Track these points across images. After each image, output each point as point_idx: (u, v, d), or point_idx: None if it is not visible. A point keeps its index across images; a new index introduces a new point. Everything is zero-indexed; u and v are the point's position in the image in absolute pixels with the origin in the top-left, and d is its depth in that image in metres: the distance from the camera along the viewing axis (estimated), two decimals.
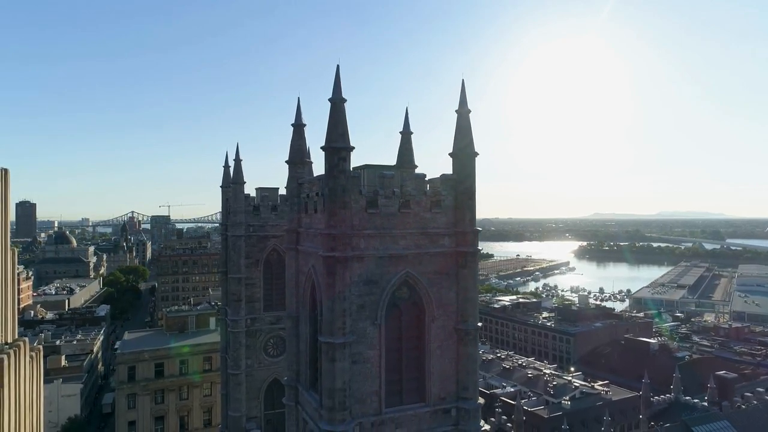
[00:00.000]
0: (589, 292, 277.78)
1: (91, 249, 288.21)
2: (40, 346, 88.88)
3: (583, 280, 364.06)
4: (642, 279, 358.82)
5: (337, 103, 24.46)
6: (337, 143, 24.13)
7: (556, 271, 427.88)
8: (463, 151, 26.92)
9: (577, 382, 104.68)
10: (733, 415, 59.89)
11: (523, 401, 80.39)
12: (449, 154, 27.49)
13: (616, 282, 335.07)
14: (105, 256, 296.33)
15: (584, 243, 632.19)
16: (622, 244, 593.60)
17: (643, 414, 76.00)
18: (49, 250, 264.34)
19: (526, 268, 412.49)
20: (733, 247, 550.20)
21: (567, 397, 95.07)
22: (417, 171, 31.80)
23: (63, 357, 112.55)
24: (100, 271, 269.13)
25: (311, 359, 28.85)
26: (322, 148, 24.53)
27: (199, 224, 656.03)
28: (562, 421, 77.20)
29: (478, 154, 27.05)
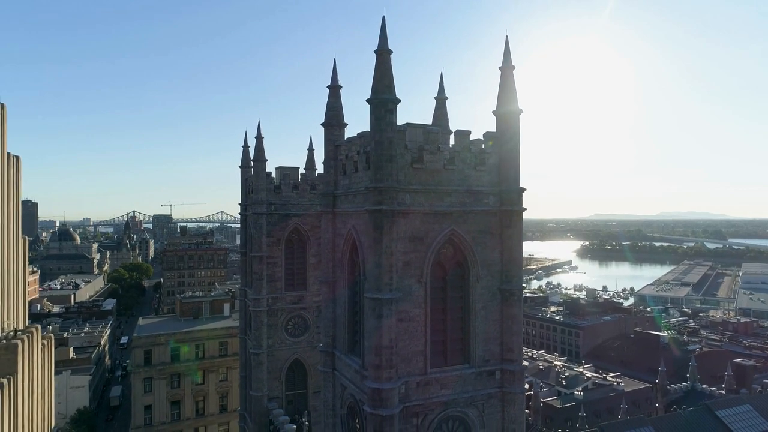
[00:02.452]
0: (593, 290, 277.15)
1: (95, 246, 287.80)
2: (51, 335, 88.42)
3: (586, 278, 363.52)
4: (645, 277, 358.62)
5: (383, 54, 23.94)
6: (384, 95, 23.61)
7: (558, 270, 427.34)
8: (508, 109, 26.42)
9: (589, 374, 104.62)
10: (755, 400, 59.22)
11: None
12: (492, 112, 26.97)
13: (620, 280, 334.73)
14: (108, 254, 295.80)
15: (586, 242, 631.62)
16: (624, 243, 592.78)
17: (660, 402, 75.47)
18: (52, 247, 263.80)
19: (528, 267, 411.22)
20: (736, 247, 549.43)
21: (579, 388, 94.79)
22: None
23: (71, 349, 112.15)
24: (104, 268, 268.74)
25: (350, 323, 28.36)
26: (368, 100, 24.01)
27: (201, 224, 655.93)
28: (575, 411, 76.74)
29: (522, 111, 26.55)
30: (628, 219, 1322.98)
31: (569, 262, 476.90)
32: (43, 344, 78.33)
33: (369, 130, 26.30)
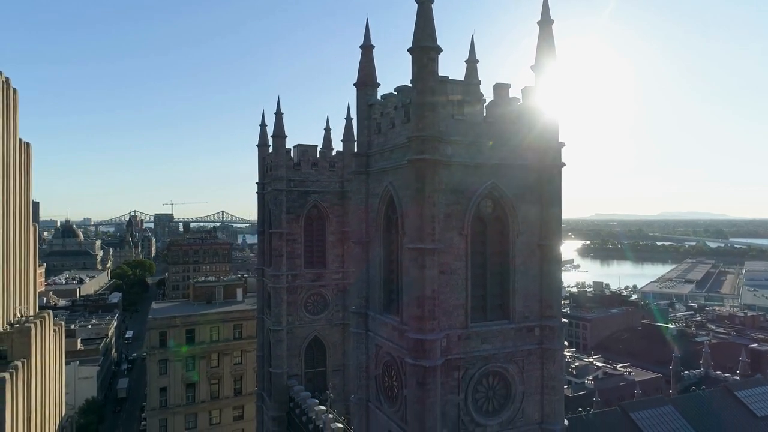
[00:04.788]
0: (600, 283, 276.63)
1: (98, 243, 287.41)
2: (62, 322, 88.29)
3: (588, 276, 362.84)
4: (647, 276, 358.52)
5: (424, 3, 23.68)
6: (426, 42, 23.36)
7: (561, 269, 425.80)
8: (547, 63, 26.21)
9: (599, 364, 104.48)
10: None
11: None
12: (531, 68, 26.77)
13: (622, 278, 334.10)
14: (111, 251, 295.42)
15: (587, 242, 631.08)
16: (625, 242, 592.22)
17: (674, 388, 75.12)
18: (56, 244, 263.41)
19: None
20: (738, 246, 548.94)
21: (590, 377, 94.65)
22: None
23: (79, 340, 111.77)
24: (107, 265, 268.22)
25: (385, 282, 28.09)
26: (409, 49, 23.77)
27: (202, 223, 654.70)
28: (587, 399, 76.43)
29: (561, 66, 26.33)
30: (629, 219, 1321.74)
31: (571, 261, 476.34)
32: (54, 331, 78.20)
33: (403, 86, 26.25)
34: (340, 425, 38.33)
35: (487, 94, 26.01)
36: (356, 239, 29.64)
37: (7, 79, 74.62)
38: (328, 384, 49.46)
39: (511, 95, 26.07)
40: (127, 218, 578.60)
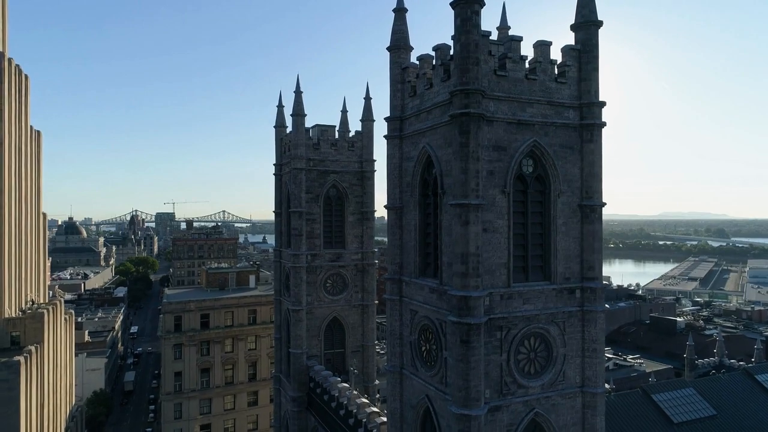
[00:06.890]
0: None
1: (101, 240, 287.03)
2: (72, 311, 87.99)
3: None
4: (649, 274, 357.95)
5: None
6: None
7: None
8: (587, 20, 25.81)
9: (609, 355, 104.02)
10: None
11: None
12: (571, 27, 26.39)
13: (625, 277, 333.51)
14: (114, 248, 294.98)
15: None
16: (627, 241, 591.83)
17: (689, 376, 74.65)
18: (59, 241, 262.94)
19: None
20: (740, 245, 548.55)
21: None
22: None
23: (86, 332, 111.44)
24: (110, 262, 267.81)
25: (420, 245, 27.69)
26: (451, 3, 23.37)
27: (203, 223, 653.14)
28: None
29: (602, 23, 25.94)
30: (630, 219, 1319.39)
31: None
32: (65, 319, 77.95)
33: (441, 44, 25.89)
34: (365, 400, 37.95)
35: (527, 53, 25.68)
36: (389, 204, 29.25)
37: (18, 65, 74.27)
38: (347, 365, 49.14)
39: (551, 54, 25.72)
40: (128, 218, 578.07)
